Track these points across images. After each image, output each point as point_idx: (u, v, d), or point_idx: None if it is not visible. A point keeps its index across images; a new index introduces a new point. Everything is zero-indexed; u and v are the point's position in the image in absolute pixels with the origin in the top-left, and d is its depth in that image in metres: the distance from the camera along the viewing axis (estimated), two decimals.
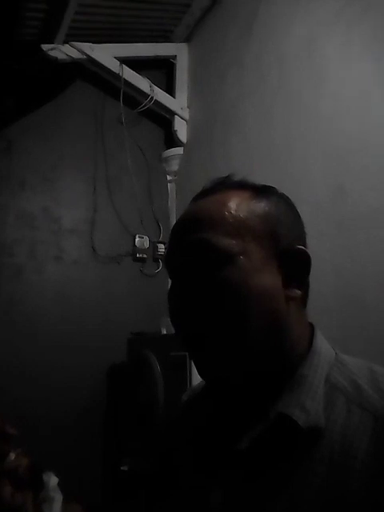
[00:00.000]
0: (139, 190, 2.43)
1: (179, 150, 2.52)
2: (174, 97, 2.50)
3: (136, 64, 2.38)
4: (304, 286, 0.56)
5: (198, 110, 2.44)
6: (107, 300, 2.30)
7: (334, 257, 1.44)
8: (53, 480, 0.59)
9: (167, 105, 2.46)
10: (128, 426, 2.03)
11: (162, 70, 2.59)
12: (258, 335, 0.52)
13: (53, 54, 2.13)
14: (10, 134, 2.18)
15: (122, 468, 1.92)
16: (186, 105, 2.51)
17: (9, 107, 2.13)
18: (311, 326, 0.58)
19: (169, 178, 2.58)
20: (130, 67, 2.36)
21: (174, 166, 2.54)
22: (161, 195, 2.54)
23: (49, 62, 2.14)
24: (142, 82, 2.40)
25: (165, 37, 2.50)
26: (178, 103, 2.50)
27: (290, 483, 0.48)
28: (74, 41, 2.18)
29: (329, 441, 0.48)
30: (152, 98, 2.40)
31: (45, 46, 2.11)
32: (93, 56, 2.24)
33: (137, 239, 2.40)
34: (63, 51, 2.16)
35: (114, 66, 2.31)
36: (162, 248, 2.47)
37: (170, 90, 2.53)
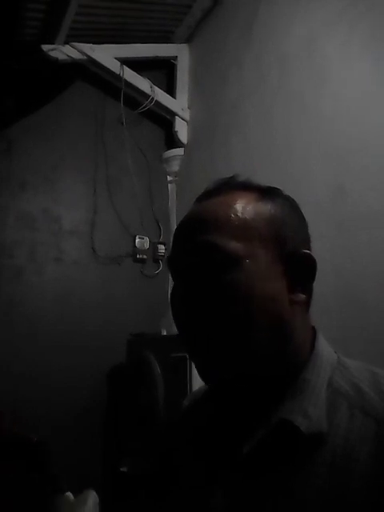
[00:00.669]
0: (139, 190, 2.43)
1: (180, 151, 2.52)
2: (175, 97, 2.50)
3: (137, 65, 2.39)
4: (309, 290, 0.56)
5: (199, 111, 2.44)
6: (107, 301, 2.29)
7: (334, 257, 1.44)
8: (93, 498, 0.59)
9: (168, 105, 2.46)
10: (128, 427, 2.03)
11: (163, 71, 2.59)
12: (263, 339, 0.52)
13: (53, 54, 2.13)
14: (10, 135, 2.18)
15: (121, 469, 1.92)
16: (186, 105, 2.51)
17: (9, 108, 2.13)
18: (313, 329, 0.58)
19: (169, 178, 2.58)
20: (130, 68, 2.36)
21: (175, 166, 2.54)
22: (161, 196, 2.54)
23: (49, 62, 2.14)
24: (142, 83, 2.40)
25: (165, 37, 2.51)
26: (179, 104, 2.50)
27: (292, 485, 0.48)
28: (74, 41, 2.19)
29: (331, 445, 0.48)
30: (153, 98, 2.40)
31: (45, 47, 2.11)
32: (93, 57, 2.24)
33: (137, 240, 2.40)
34: (64, 52, 2.16)
35: (114, 66, 2.31)
36: (162, 249, 2.46)
37: (171, 90, 2.53)
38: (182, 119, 2.49)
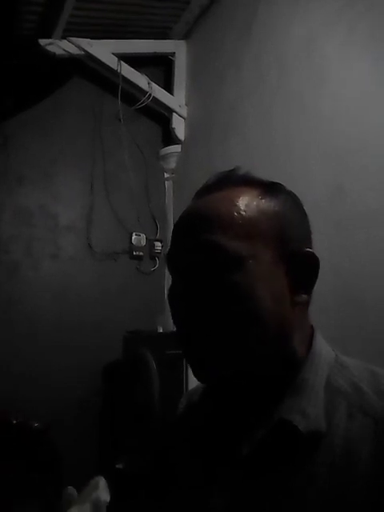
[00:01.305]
0: (136, 187, 2.42)
1: (177, 148, 2.51)
2: (173, 94, 2.49)
3: (134, 61, 2.37)
4: (310, 289, 0.56)
5: (196, 108, 2.43)
6: (103, 297, 2.29)
7: (332, 256, 1.44)
8: (103, 484, 0.61)
9: (165, 102, 2.45)
10: (124, 424, 2.03)
11: (161, 67, 2.58)
12: (263, 339, 0.52)
13: (50, 49, 2.12)
14: (6, 130, 2.16)
15: (117, 466, 1.92)
16: (184, 102, 2.50)
17: (6, 102, 2.12)
18: (311, 328, 0.58)
19: (166, 175, 2.57)
20: (128, 64, 2.34)
21: (172, 163, 2.54)
22: (158, 193, 2.53)
23: (46, 57, 2.13)
24: (140, 79, 2.39)
25: (163, 34, 2.49)
26: (176, 100, 2.49)
27: (291, 485, 0.48)
28: (72, 36, 2.17)
29: (330, 444, 0.48)
30: (150, 95, 2.39)
31: (42, 41, 2.10)
32: (91, 52, 2.23)
33: (134, 237, 2.40)
34: (61, 47, 2.15)
35: (112, 62, 2.30)
36: (158, 246, 2.46)
37: (168, 87, 2.52)
38: (180, 116, 2.48)
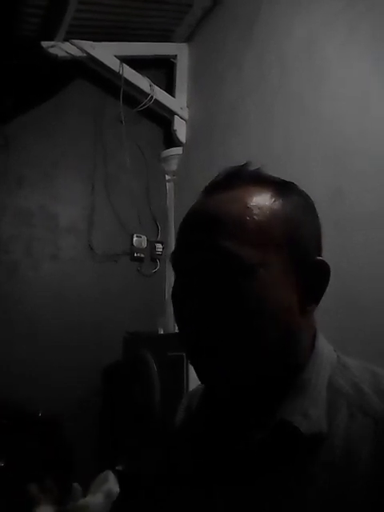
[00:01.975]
0: (138, 189, 2.43)
1: (178, 150, 2.51)
2: (174, 96, 2.50)
3: (136, 63, 2.38)
4: (320, 298, 0.54)
5: (198, 110, 2.44)
6: (104, 299, 2.29)
7: (331, 258, 1.42)
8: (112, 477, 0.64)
9: (167, 104, 2.46)
10: (124, 426, 2.02)
11: (162, 70, 2.59)
12: (270, 347, 0.51)
13: (53, 51, 2.13)
14: (7, 131, 2.17)
15: (117, 468, 1.92)
16: (185, 105, 2.51)
17: (7, 104, 2.13)
18: (314, 328, 0.58)
19: (168, 177, 2.58)
20: (130, 66, 2.35)
21: (173, 165, 2.54)
22: (159, 195, 2.53)
23: (49, 59, 2.13)
24: (142, 81, 2.39)
25: (166, 36, 2.50)
26: (178, 103, 2.49)
27: (292, 485, 0.48)
28: (74, 38, 2.18)
29: (331, 445, 0.48)
30: (152, 97, 2.40)
31: (45, 43, 2.11)
32: (93, 54, 2.24)
33: (135, 238, 2.40)
34: (63, 49, 2.16)
35: (114, 64, 2.30)
36: (159, 248, 2.46)
37: (170, 89, 2.53)
38: (181, 118, 2.49)
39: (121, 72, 2.31)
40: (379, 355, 1.17)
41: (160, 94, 2.44)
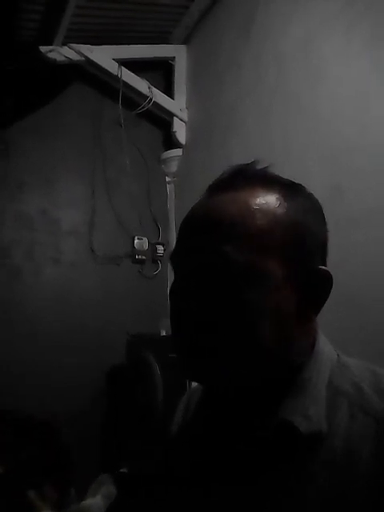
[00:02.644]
0: (138, 191, 2.43)
1: (178, 152, 2.52)
2: (173, 98, 2.50)
3: (135, 66, 2.38)
4: (320, 308, 0.54)
5: (197, 112, 2.44)
6: (106, 301, 2.30)
7: (330, 256, 1.43)
8: (109, 480, 0.65)
9: (166, 106, 2.46)
10: (127, 427, 2.02)
11: (161, 72, 2.59)
12: (269, 350, 0.51)
13: (51, 55, 2.13)
14: (7, 136, 2.18)
15: (121, 470, 1.92)
16: (184, 106, 2.51)
17: (7, 109, 2.13)
18: (315, 328, 0.57)
19: (168, 179, 2.58)
20: (128, 69, 2.36)
21: (173, 167, 2.55)
22: (160, 197, 2.54)
23: (47, 63, 2.14)
24: (140, 84, 2.40)
25: (163, 38, 2.50)
26: (177, 105, 2.50)
27: (292, 484, 0.48)
28: (72, 42, 2.18)
29: (331, 444, 0.48)
30: (151, 99, 2.40)
31: (43, 48, 2.11)
32: (91, 58, 2.24)
33: (136, 241, 2.40)
34: (61, 53, 2.16)
35: (112, 67, 2.31)
36: (161, 249, 2.47)
37: (169, 91, 2.53)
38: (180, 120, 2.49)
39: (119, 75, 2.32)
40: (379, 355, 1.16)
41: (159, 96, 2.44)
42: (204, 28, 2.42)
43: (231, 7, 2.21)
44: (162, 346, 1.90)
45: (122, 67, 2.33)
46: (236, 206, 0.51)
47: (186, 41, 2.54)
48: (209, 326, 0.50)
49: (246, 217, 0.50)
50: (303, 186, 0.56)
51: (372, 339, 1.29)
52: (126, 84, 2.35)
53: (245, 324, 0.50)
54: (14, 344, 2.06)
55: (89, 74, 2.34)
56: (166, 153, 2.55)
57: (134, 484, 1.73)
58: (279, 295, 0.50)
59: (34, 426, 1.32)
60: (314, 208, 0.55)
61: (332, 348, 0.57)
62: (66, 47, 2.18)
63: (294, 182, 0.55)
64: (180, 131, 2.49)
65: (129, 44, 2.37)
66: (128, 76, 2.36)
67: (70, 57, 2.19)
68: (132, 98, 2.41)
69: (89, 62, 2.26)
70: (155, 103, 2.42)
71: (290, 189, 0.54)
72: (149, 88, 2.41)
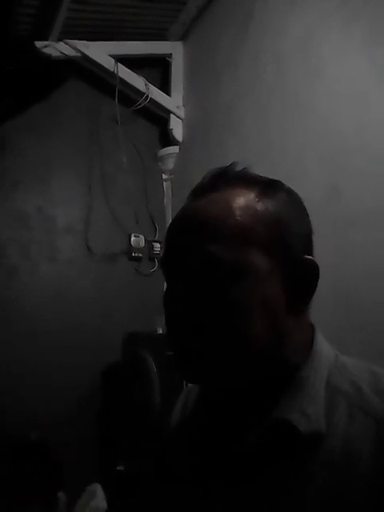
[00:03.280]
0: (134, 188, 2.42)
1: (175, 149, 2.51)
2: (170, 95, 2.49)
3: (131, 62, 2.37)
4: (310, 297, 0.54)
5: (194, 109, 2.43)
6: (102, 299, 2.29)
7: (328, 257, 1.43)
8: (100, 492, 0.63)
9: (163, 103, 2.45)
10: (124, 426, 2.02)
11: (158, 69, 2.57)
12: (260, 349, 0.51)
13: (47, 51, 2.11)
14: (2, 132, 2.16)
15: (117, 468, 1.92)
16: (181, 103, 2.50)
17: (1, 105, 2.11)
18: (312, 327, 0.58)
19: (164, 176, 2.57)
20: (125, 65, 2.34)
21: (170, 164, 2.53)
22: (156, 194, 2.53)
23: (42, 59, 2.12)
24: (137, 81, 2.38)
25: (160, 35, 2.49)
26: (174, 102, 2.48)
27: (290, 483, 0.48)
28: (68, 38, 2.16)
29: (330, 444, 0.48)
30: (147, 96, 2.39)
31: (38, 43, 2.09)
32: (87, 54, 2.22)
33: (132, 238, 2.39)
34: (57, 48, 2.14)
35: (109, 63, 2.29)
36: (157, 247, 2.46)
37: (166, 88, 2.52)
38: (177, 117, 2.48)
39: (116, 71, 2.30)
40: (379, 355, 1.17)
41: (156, 93, 2.43)
42: (201, 25, 2.40)
43: (229, 4, 2.20)
44: (159, 344, 1.90)
45: (119, 63, 2.31)
46: (218, 206, 0.52)
47: (183, 37, 2.53)
48: (197, 329, 0.51)
49: (228, 216, 0.51)
50: (282, 183, 0.57)
51: (371, 339, 1.29)
52: (122, 80, 2.33)
53: (232, 324, 0.50)
54: (10, 342, 2.05)
55: (85, 71, 2.32)
56: (162, 150, 2.54)
57: (132, 482, 1.73)
58: (266, 289, 0.51)
59: (26, 445, 1.33)
60: (293, 202, 0.56)
61: (330, 348, 0.57)
62: (61, 43, 2.16)
63: (272, 180, 0.57)
64: (177, 128, 2.48)
65: (125, 40, 2.35)
66: (124, 72, 2.34)
67: (66, 52, 2.17)
68: (128, 95, 2.40)
69: (85, 57, 2.24)
70: (152, 100, 2.41)
71: (269, 186, 0.55)
72: (145, 85, 2.39)
